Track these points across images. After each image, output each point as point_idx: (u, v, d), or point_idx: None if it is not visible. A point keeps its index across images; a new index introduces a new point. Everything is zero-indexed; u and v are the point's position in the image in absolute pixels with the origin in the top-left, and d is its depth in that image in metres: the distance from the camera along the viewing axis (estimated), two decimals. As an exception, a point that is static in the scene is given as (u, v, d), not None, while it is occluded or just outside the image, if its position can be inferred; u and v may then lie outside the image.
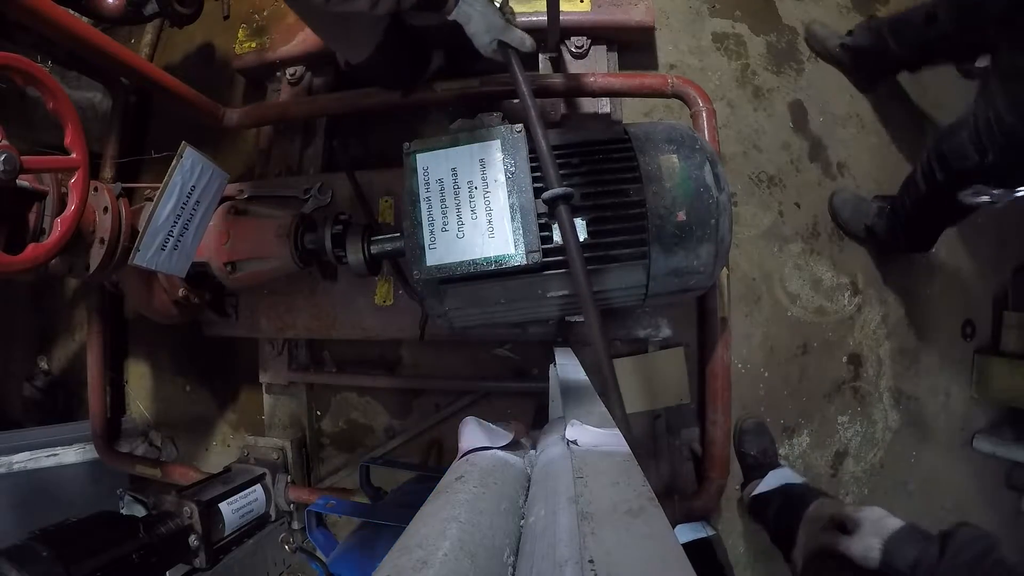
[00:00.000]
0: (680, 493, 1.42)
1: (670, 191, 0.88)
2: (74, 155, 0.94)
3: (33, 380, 2.03)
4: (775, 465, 1.45)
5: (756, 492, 1.40)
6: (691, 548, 1.24)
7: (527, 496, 0.55)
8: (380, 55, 1.17)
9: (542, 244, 0.85)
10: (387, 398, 1.65)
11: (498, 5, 0.96)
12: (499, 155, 0.87)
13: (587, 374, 0.90)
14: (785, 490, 1.35)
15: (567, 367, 1.08)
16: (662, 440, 1.48)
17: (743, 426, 1.52)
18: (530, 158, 0.89)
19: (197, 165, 1.02)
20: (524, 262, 0.83)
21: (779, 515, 1.29)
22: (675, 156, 0.91)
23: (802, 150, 1.64)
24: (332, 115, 1.61)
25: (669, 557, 0.33)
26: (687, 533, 1.32)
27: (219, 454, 1.81)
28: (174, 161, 0.98)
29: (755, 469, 1.47)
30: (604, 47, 1.52)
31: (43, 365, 2.07)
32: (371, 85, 1.42)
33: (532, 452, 0.72)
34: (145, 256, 0.96)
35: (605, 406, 0.67)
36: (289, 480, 1.49)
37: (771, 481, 1.39)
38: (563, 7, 1.32)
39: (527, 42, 0.95)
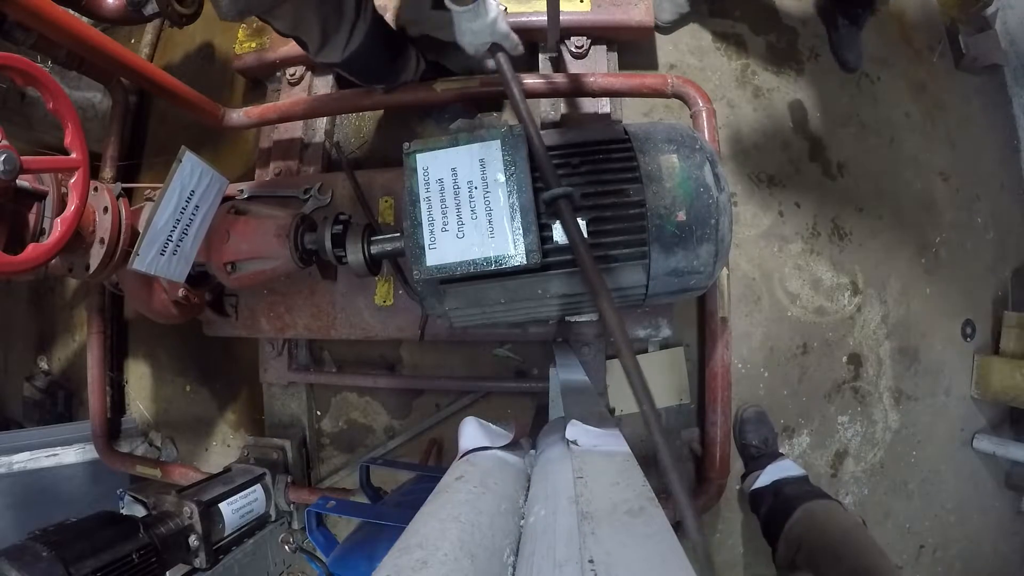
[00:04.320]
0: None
1: (670, 191, 0.88)
2: (74, 155, 0.94)
3: (33, 380, 2.03)
4: (776, 455, 1.45)
5: (754, 487, 1.41)
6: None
7: (527, 496, 0.55)
8: (362, 53, 1.12)
9: (542, 244, 0.85)
10: (387, 398, 1.65)
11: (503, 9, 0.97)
12: (499, 155, 0.87)
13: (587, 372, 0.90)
14: (777, 488, 1.35)
15: (567, 367, 1.08)
16: (661, 440, 1.49)
17: (744, 415, 1.52)
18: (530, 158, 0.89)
19: (196, 170, 1.01)
20: (524, 262, 0.83)
21: (769, 515, 1.31)
22: (675, 156, 0.91)
23: (802, 150, 1.64)
24: (332, 115, 1.61)
25: (669, 557, 0.33)
26: None
27: (219, 454, 1.81)
28: (173, 165, 0.97)
29: (756, 460, 1.46)
30: (604, 47, 1.52)
31: (43, 365, 2.07)
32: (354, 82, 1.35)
33: (532, 452, 0.72)
34: (144, 261, 0.96)
35: (636, 401, 0.66)
36: (289, 480, 1.49)
37: (771, 473, 1.39)
38: (563, 7, 1.32)
39: (520, 47, 0.99)
